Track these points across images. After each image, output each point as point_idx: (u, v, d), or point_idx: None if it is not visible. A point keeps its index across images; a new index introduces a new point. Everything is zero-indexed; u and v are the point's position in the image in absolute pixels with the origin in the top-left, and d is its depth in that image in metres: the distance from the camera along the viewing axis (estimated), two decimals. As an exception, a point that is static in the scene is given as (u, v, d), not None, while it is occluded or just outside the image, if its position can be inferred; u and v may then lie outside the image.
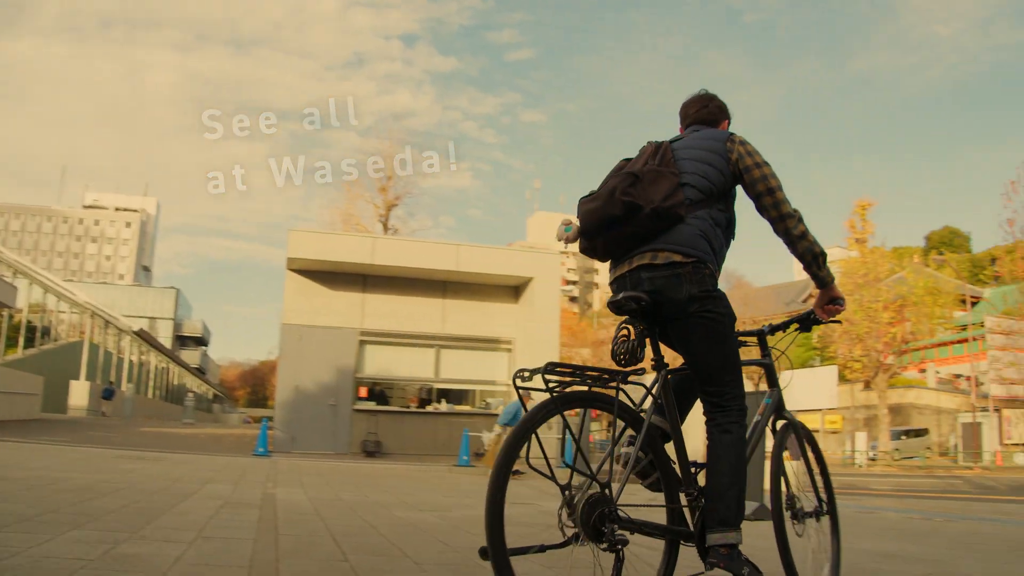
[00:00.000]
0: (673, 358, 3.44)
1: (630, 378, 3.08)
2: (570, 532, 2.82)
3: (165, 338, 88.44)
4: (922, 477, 31.90)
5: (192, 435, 29.16)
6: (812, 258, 3.38)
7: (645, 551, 4.01)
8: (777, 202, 3.31)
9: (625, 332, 3.18)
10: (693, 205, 3.24)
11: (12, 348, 41.57)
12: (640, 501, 3.05)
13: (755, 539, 4.09)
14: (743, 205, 3.49)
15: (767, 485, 3.38)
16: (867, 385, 47.78)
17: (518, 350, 24.22)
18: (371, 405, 22.81)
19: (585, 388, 3.01)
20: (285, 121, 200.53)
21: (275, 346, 22.17)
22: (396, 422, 22.88)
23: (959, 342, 61.30)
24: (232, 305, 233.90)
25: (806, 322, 3.84)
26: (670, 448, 3.31)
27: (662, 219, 3.14)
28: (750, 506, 8.98)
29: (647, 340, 3.22)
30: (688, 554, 3.21)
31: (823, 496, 3.83)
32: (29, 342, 44.51)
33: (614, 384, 3.05)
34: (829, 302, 3.61)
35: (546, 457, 2.80)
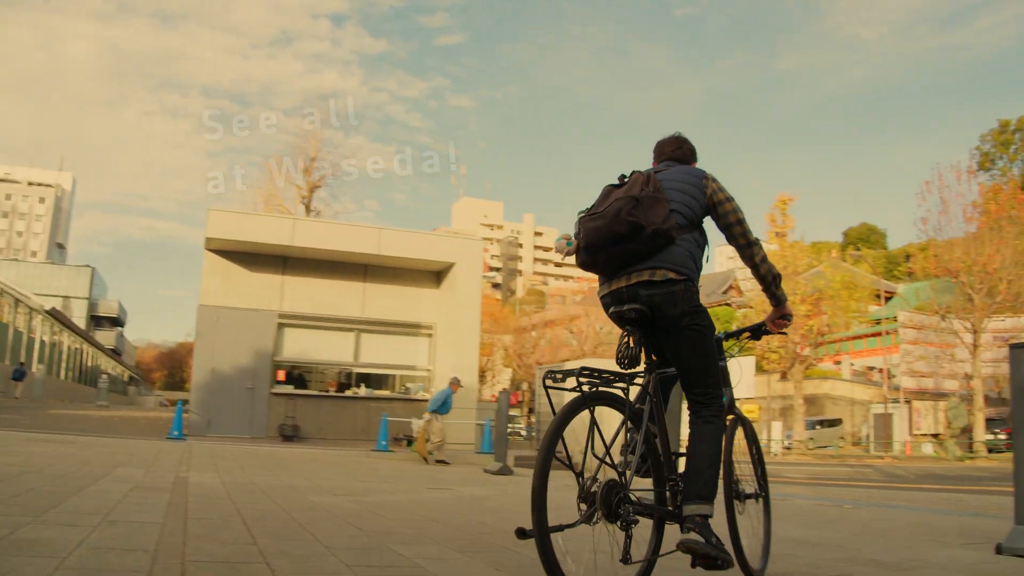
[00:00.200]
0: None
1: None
2: (580, 515, 3.25)
3: (79, 318, 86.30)
4: (835, 466, 32.66)
5: (105, 418, 28.55)
6: (772, 279, 3.97)
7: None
8: (745, 231, 3.87)
9: (627, 339, 3.58)
10: (680, 229, 3.68)
11: (-85, 326, 40.21)
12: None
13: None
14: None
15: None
16: (784, 376, 48.73)
17: (439, 335, 24.22)
18: (289, 389, 22.60)
19: (597, 388, 3.42)
20: (209, 98, 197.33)
21: (193, 328, 21.87)
22: (314, 406, 22.71)
23: (873, 335, 62.68)
24: (151, 285, 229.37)
25: (757, 332, 4.38)
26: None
27: (660, 239, 3.55)
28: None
29: (643, 346, 3.66)
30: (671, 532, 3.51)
31: (761, 482, 4.42)
32: (-67, 320, 43.09)
33: (623, 385, 3.52)
34: (780, 317, 4.19)
35: (566, 449, 3.23)
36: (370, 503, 7.31)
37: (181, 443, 16.73)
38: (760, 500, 4.38)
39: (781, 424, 45.99)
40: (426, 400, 23.44)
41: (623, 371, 3.54)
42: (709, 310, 3.94)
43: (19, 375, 41.03)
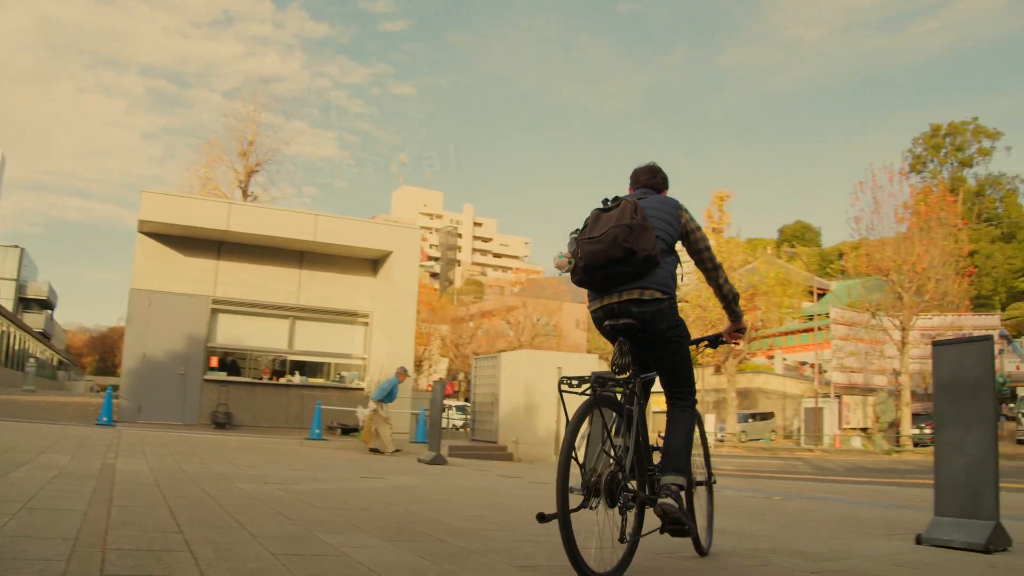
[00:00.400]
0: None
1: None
2: (577, 501, 3.62)
3: (7, 300, 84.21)
4: (766, 458, 33.20)
5: (32, 403, 28.02)
6: (732, 298, 4.66)
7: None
8: (711, 256, 4.55)
9: (620, 348, 4.10)
10: (663, 253, 4.22)
11: None
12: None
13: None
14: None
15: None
16: (717, 369, 49.33)
17: (375, 324, 24.12)
18: (222, 375, 22.35)
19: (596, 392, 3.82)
20: (147, 77, 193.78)
21: (126, 312, 21.38)
22: (248, 393, 22.48)
23: (806, 331, 63.78)
24: (83, 268, 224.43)
25: (715, 341, 4.91)
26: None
27: (648, 263, 4.09)
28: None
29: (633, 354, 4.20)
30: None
31: (708, 471, 4.99)
32: None
33: (619, 389, 4.06)
34: (736, 330, 4.82)
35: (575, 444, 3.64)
36: (300, 491, 7.27)
37: (110, 429, 16.49)
38: (707, 487, 4.96)
39: (714, 417, 46.61)
40: (361, 388, 23.39)
41: (616, 378, 4.02)
42: None
43: (-59, 358, 39.94)
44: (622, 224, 4.05)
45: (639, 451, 4.05)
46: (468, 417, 27.52)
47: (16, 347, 72.71)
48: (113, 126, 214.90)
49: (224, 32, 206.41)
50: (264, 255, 23.35)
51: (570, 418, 3.64)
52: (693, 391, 4.45)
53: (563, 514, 3.43)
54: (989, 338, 5.50)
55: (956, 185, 66.62)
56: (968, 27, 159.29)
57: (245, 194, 37.42)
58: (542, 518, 3.48)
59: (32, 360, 60.05)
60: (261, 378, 23.21)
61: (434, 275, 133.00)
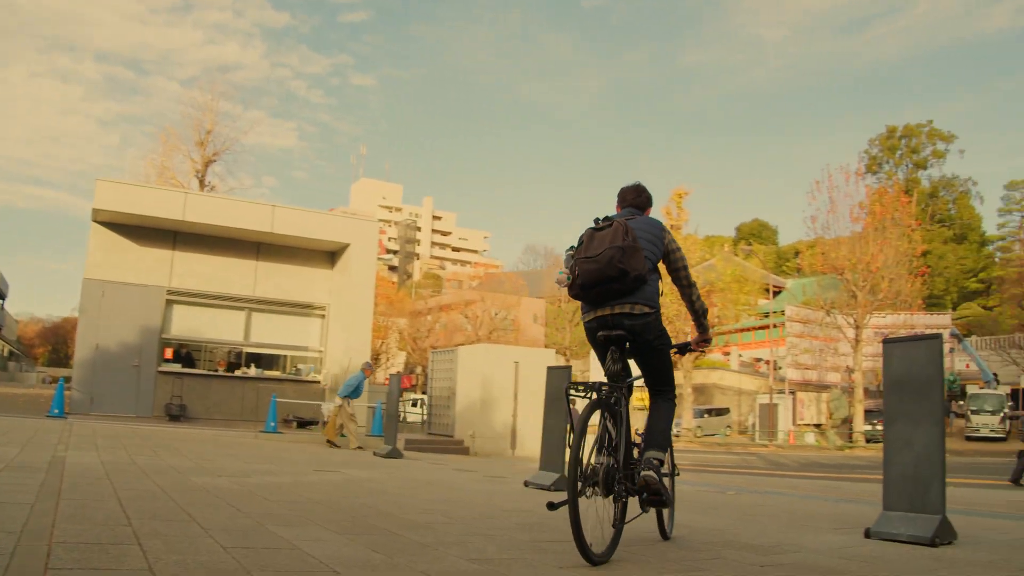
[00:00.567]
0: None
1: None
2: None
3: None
4: (721, 453, 33.52)
5: (-20, 393, 27.59)
6: (703, 312, 5.14)
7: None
8: (688, 275, 5.07)
9: (612, 356, 4.63)
10: (649, 271, 4.70)
11: None
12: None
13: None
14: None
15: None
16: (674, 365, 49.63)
17: (332, 316, 24.01)
18: (176, 367, 22.11)
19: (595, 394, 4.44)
20: (103, 64, 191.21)
21: (79, 303, 21.08)
22: (202, 385, 22.28)
23: (761, 328, 64.47)
24: (35, 257, 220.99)
25: (683, 349, 5.48)
26: None
27: (639, 281, 4.57)
28: (551, 477, 9.20)
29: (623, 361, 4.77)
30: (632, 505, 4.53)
31: (672, 464, 5.34)
32: None
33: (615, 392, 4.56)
34: (703, 340, 5.30)
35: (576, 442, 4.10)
36: (253, 484, 7.23)
37: (61, 421, 16.31)
38: (671, 479, 5.35)
39: (670, 412, 46.83)
40: (317, 381, 23.29)
41: (616, 383, 4.59)
42: None
43: None
44: (615, 246, 4.53)
45: (627, 447, 4.49)
46: (423, 411, 27.51)
47: (-35, 337, 71.49)
48: (68, 113, 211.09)
49: (183, 19, 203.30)
50: (220, 246, 23.13)
51: (575, 420, 4.17)
52: (673, 387, 5.03)
53: (573, 502, 3.89)
54: (938, 336, 5.59)
55: (911, 186, 67.64)
56: (924, 32, 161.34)
57: (202, 184, 37.13)
58: (551, 506, 3.98)
59: (-18, 350, 59.01)
60: (216, 370, 23.00)
61: (392, 268, 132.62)
